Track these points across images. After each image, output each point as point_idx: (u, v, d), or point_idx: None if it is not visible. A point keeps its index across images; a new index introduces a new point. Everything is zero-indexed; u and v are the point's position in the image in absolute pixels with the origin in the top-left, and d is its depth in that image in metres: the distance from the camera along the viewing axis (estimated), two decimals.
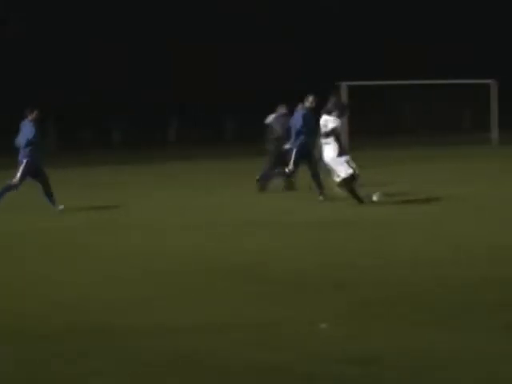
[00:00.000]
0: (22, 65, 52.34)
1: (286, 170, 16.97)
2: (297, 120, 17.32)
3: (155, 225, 13.10)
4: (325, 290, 7.21)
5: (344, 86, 33.18)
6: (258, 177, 18.24)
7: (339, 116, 15.23)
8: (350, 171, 14.25)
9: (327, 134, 14.69)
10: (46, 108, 53.74)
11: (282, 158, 18.11)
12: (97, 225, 13.32)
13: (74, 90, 53.96)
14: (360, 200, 14.34)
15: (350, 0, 58.83)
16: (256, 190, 17.48)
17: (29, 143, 15.60)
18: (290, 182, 18.11)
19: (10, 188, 15.80)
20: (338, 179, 14.56)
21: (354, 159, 14.89)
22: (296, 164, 16.77)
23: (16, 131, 16.34)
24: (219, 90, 54.88)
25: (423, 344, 5.43)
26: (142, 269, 8.80)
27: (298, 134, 16.85)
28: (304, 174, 17.19)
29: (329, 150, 14.56)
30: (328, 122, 14.84)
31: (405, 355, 5.20)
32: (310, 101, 17.50)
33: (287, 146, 17.56)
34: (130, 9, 55.80)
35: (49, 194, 15.70)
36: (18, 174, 15.50)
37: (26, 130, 15.90)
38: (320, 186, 16.26)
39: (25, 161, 15.52)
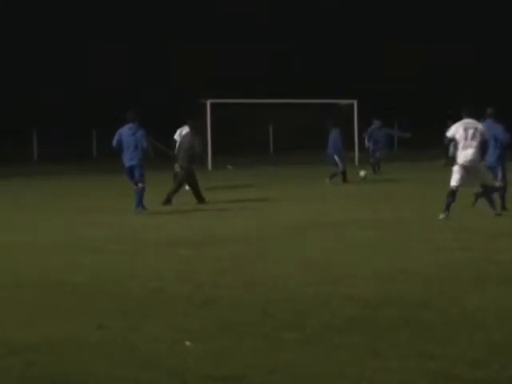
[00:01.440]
0: (22, 64, 52.56)
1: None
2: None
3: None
4: (189, 308, 7.15)
5: (208, 103, 33.62)
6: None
7: None
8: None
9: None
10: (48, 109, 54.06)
11: None
12: None
13: (74, 89, 54.19)
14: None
15: (350, 0, 58.77)
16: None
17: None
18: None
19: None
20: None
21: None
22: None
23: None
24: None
25: (286, 362, 5.54)
26: None
27: None
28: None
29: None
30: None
31: (268, 373, 5.31)
32: None
33: None
34: (130, 9, 55.96)
35: None
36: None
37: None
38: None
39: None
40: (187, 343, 5.98)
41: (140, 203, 15.88)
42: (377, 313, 6.86)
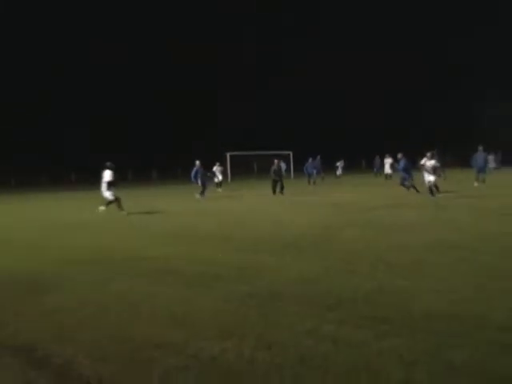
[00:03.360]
0: (22, 65, 52.98)
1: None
2: None
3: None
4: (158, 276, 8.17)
5: (227, 155, 44.46)
6: None
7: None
8: None
9: None
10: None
11: None
12: None
13: (74, 89, 54.54)
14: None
15: (350, 0, 59.21)
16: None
17: None
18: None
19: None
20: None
21: None
22: None
23: None
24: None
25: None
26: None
27: None
28: None
29: None
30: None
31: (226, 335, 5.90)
32: None
33: None
34: (130, 9, 56.36)
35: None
36: None
37: None
38: None
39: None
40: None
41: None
42: (289, 287, 7.58)
